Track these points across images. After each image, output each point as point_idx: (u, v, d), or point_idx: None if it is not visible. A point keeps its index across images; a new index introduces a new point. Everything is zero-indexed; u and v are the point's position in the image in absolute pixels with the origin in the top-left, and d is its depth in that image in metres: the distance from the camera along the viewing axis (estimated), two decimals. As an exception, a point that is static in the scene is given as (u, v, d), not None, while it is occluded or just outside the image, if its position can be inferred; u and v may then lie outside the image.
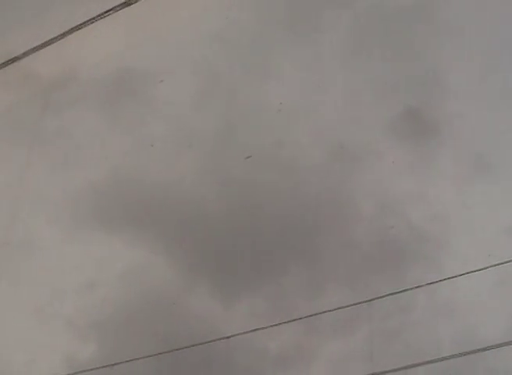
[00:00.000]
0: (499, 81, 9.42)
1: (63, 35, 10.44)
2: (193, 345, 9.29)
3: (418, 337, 8.66)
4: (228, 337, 9.30)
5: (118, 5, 10.32)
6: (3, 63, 10.77)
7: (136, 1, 10.38)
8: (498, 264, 8.28)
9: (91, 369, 9.44)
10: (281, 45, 10.48)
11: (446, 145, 9.52)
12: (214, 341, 9.27)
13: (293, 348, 9.18)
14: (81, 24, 10.38)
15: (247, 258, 9.41)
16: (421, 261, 9.09)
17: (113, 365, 9.43)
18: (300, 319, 9.16)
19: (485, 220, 8.97)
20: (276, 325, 9.19)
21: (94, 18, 10.30)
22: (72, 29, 10.42)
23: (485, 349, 7.66)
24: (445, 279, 8.79)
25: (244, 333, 9.27)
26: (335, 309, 9.10)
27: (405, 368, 8.48)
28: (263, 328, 9.22)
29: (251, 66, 10.43)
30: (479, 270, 8.53)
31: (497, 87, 9.38)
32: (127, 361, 9.43)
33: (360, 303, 9.05)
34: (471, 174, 9.37)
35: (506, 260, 8.25)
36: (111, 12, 10.38)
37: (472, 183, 9.32)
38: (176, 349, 9.30)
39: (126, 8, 10.18)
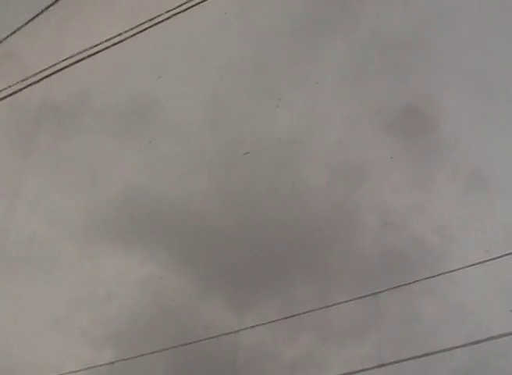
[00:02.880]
0: (495, 101, 9.88)
1: (76, 61, 10.92)
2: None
3: (427, 342, 8.87)
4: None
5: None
6: (17, 91, 11.20)
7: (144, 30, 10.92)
8: (496, 258, 8.65)
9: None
10: (283, 74, 10.95)
11: (444, 161, 9.93)
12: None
13: (304, 356, 9.36)
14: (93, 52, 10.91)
15: (258, 270, 9.66)
16: (426, 270, 9.37)
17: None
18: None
19: (486, 230, 9.31)
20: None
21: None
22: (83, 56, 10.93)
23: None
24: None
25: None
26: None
27: None
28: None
29: (255, 93, 10.86)
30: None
31: (493, 105, 9.84)
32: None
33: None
34: (468, 188, 9.76)
35: (503, 254, 8.66)
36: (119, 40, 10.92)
37: (471, 196, 9.70)
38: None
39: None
